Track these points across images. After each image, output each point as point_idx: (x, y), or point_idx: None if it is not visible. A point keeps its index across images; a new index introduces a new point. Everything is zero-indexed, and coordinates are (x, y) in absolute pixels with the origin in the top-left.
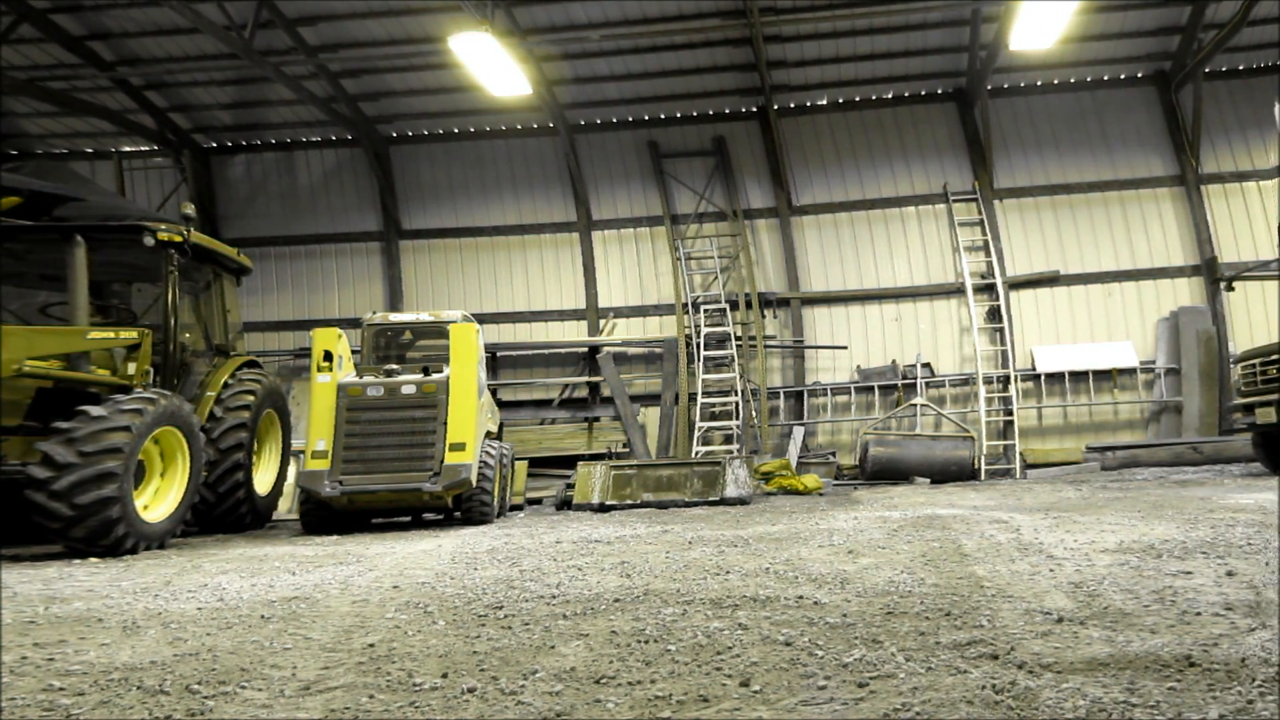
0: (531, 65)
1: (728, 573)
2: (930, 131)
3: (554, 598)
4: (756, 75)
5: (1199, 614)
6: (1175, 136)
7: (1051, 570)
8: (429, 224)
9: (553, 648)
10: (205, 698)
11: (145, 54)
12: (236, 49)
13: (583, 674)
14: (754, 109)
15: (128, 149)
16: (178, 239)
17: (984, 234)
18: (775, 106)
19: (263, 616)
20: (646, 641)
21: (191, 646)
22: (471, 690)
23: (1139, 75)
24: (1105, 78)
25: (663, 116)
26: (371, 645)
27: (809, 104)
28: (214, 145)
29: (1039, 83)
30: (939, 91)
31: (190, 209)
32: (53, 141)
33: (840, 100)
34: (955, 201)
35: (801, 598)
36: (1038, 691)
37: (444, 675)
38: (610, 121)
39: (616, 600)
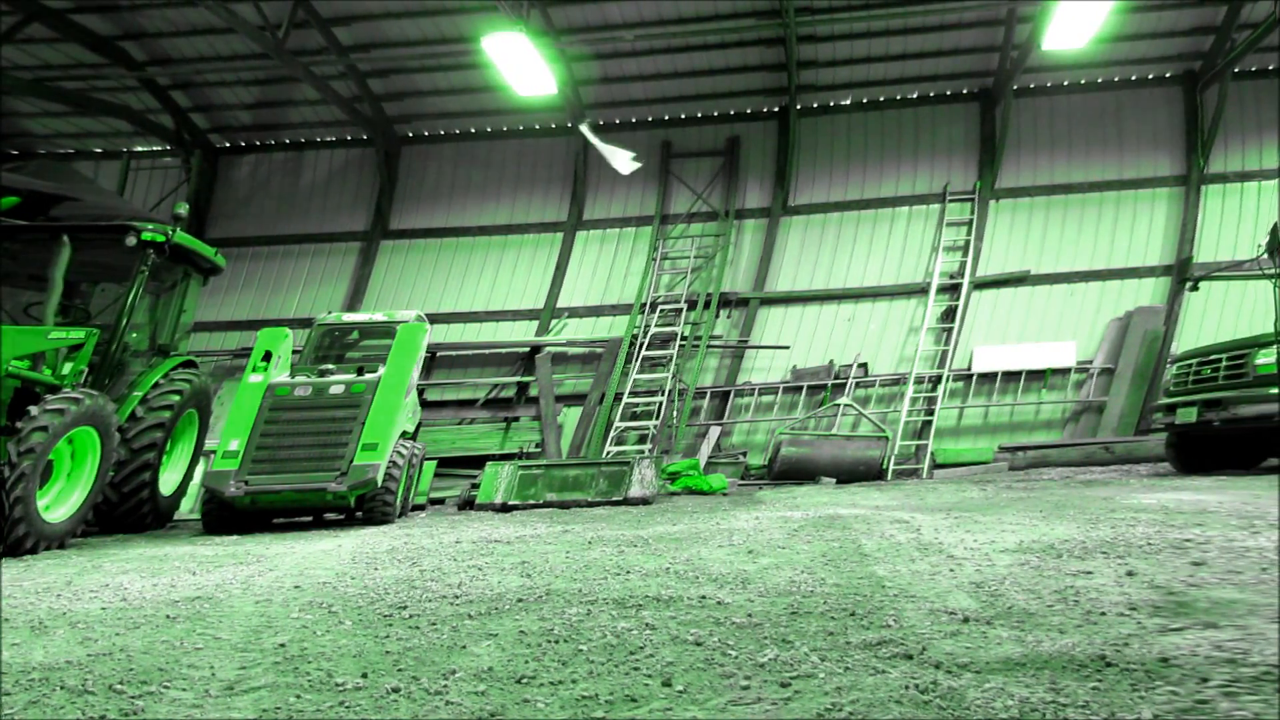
0: (561, 65)
1: (628, 573)
2: (947, 131)
3: (457, 598)
4: (782, 75)
5: (1104, 614)
6: (1191, 136)
7: (952, 570)
8: (419, 224)
9: (464, 648)
10: (133, 697)
11: (176, 54)
12: (268, 49)
13: (502, 674)
14: (775, 109)
15: (140, 149)
16: (160, 239)
17: (969, 234)
18: (798, 106)
19: (168, 616)
20: (557, 641)
21: (103, 646)
22: (396, 690)
23: (1167, 75)
24: (1133, 77)
25: (683, 116)
26: (283, 645)
27: (832, 104)
28: (227, 145)
29: (1065, 82)
30: (964, 91)
31: (183, 209)
32: (60, 141)
33: (864, 100)
34: (951, 201)
35: (704, 597)
36: (962, 691)
37: (364, 675)
38: (630, 121)
39: (520, 600)
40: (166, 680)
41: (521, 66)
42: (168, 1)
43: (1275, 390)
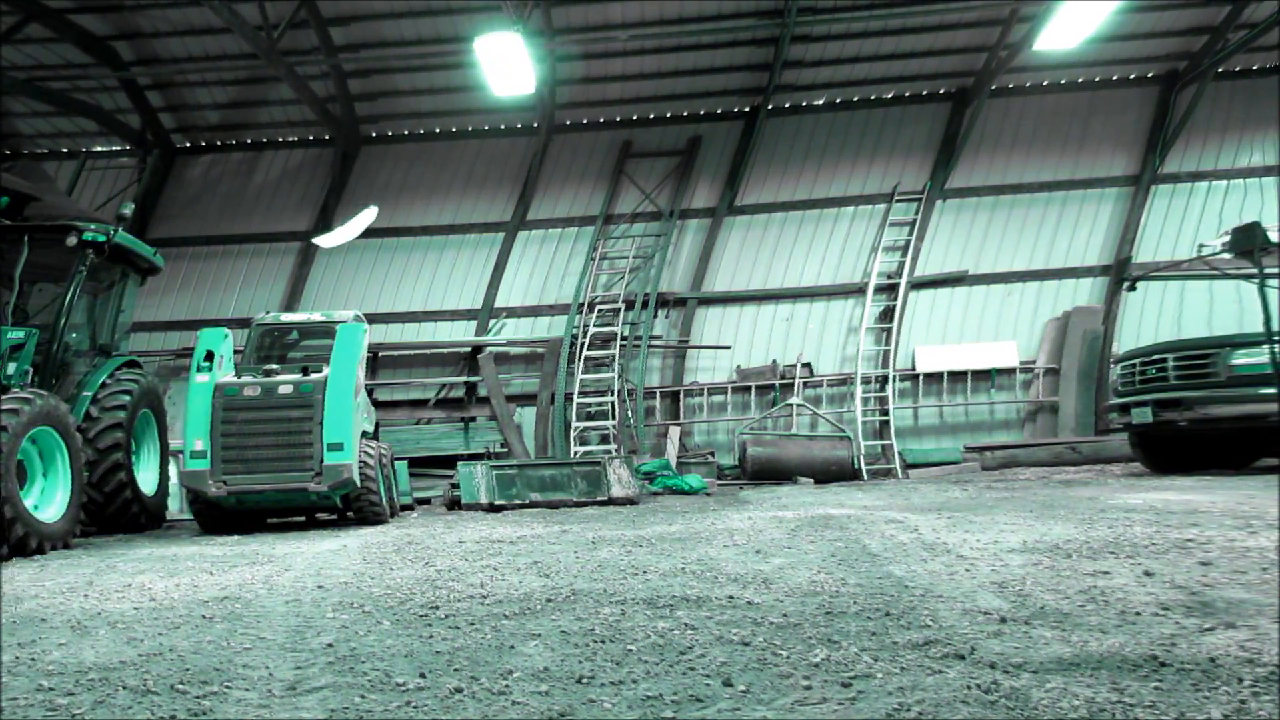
0: (546, 66)
1: (645, 573)
2: (911, 131)
3: (485, 598)
4: (759, 75)
5: (1139, 614)
6: (1154, 137)
7: (968, 570)
8: None
9: (512, 648)
10: (198, 698)
11: (166, 54)
12: (259, 49)
13: (559, 673)
14: (745, 109)
15: (99, 149)
16: (101, 239)
17: (910, 234)
18: (769, 106)
19: (204, 617)
20: (602, 641)
21: (150, 646)
22: (459, 690)
23: (1149, 75)
24: (1114, 78)
25: (651, 116)
26: (330, 645)
27: (805, 104)
28: (188, 145)
29: (1045, 83)
30: (941, 91)
31: (128, 209)
32: (41, 141)
33: (837, 100)
34: (899, 201)
35: (732, 598)
36: (1026, 691)
37: (422, 675)
38: (597, 121)
39: (549, 600)
40: (226, 681)
41: (507, 67)
42: (173, 1)
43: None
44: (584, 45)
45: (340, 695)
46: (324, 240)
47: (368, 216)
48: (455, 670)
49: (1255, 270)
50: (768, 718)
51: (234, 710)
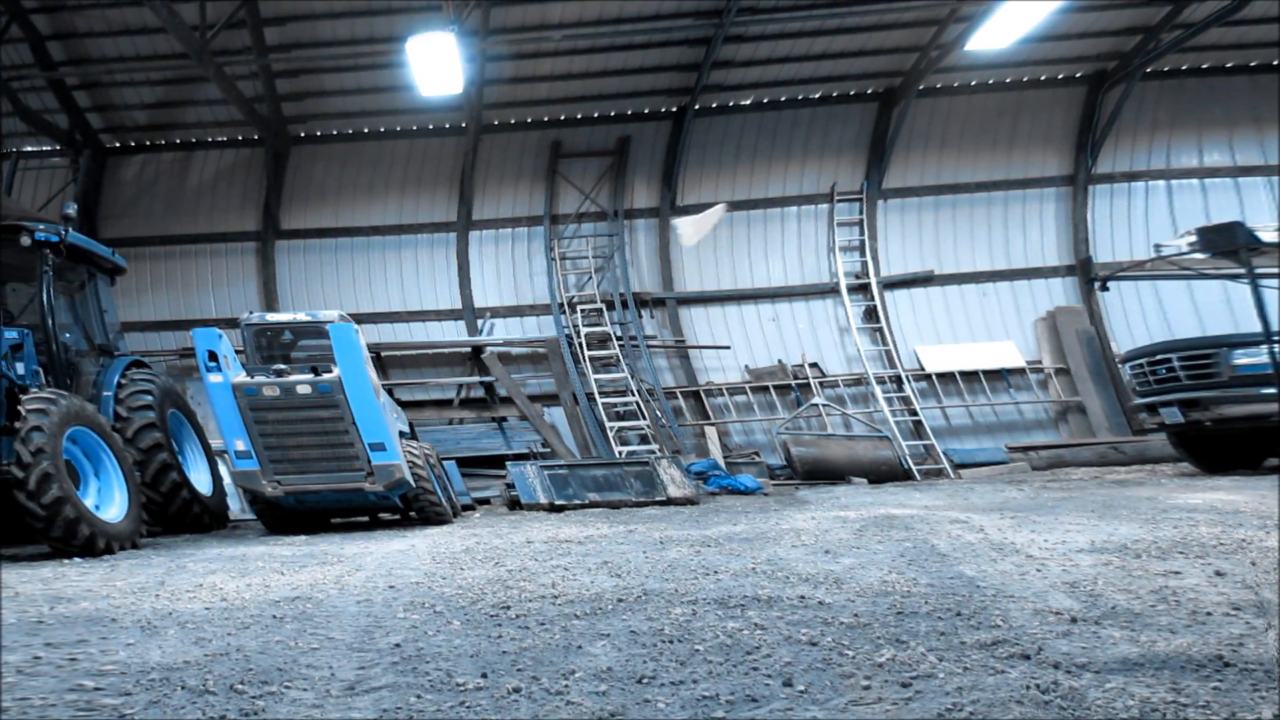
0: (476, 66)
1: (716, 573)
2: (839, 132)
3: (555, 598)
4: (686, 75)
5: (1210, 614)
6: (1083, 137)
7: (1039, 570)
8: (308, 224)
9: (580, 648)
10: (254, 698)
11: (98, 54)
12: (191, 49)
13: (621, 673)
14: (673, 109)
15: (29, 149)
16: (54, 238)
17: (862, 234)
18: (696, 106)
19: (274, 616)
20: (671, 641)
21: (218, 647)
22: (517, 690)
23: (1077, 75)
24: (1043, 77)
25: (579, 116)
26: (398, 645)
27: (731, 104)
28: (117, 145)
29: (973, 82)
30: (869, 92)
31: (72, 209)
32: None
33: (765, 101)
34: (840, 201)
35: (804, 598)
36: (1083, 691)
37: (484, 675)
38: (525, 121)
39: (620, 600)
40: (286, 681)
41: (437, 67)
42: (113, 1)
43: (1271, 390)
44: (517, 45)
45: (397, 695)
46: (683, 231)
47: (720, 210)
48: (518, 670)
49: (1235, 270)
50: (818, 717)
51: (286, 710)
